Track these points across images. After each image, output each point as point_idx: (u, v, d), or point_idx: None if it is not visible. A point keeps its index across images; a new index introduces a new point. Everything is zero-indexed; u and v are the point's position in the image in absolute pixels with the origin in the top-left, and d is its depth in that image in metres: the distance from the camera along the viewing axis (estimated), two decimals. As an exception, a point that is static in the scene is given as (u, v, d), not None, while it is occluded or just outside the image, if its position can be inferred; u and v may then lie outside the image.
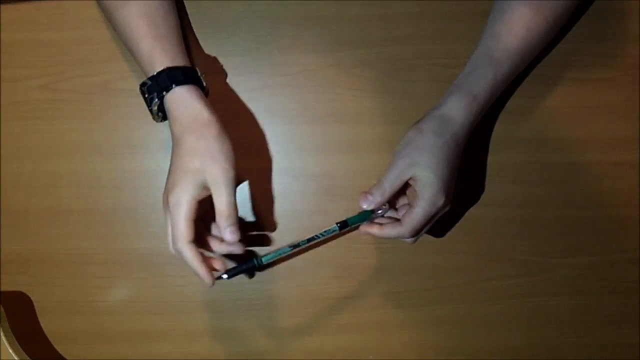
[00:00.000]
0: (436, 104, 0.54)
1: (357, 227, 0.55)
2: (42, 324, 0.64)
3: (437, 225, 0.55)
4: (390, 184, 0.52)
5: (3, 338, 0.59)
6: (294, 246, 0.53)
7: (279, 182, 0.63)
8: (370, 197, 0.53)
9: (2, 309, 0.61)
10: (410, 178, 0.52)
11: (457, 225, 0.63)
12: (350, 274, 0.64)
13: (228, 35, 0.62)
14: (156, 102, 0.53)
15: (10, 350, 0.59)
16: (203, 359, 0.64)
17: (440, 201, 0.52)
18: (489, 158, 0.63)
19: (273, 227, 0.63)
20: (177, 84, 0.51)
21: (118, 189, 0.63)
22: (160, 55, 0.52)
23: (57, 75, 0.62)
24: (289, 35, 0.62)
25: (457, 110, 0.53)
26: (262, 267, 0.56)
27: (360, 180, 0.62)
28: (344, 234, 0.56)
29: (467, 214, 0.63)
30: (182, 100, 0.52)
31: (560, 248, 0.63)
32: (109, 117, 0.62)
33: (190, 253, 0.50)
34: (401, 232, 0.52)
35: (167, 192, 0.51)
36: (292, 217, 0.63)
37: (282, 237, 0.63)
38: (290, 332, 0.64)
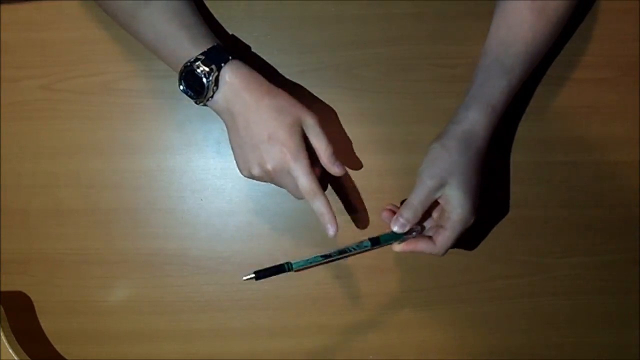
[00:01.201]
0: (455, 118, 0.55)
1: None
2: (42, 324, 0.64)
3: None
4: (421, 205, 0.53)
5: (3, 338, 0.59)
6: (326, 256, 0.54)
7: (279, 182, 0.63)
8: (401, 220, 0.54)
9: (2, 309, 0.61)
10: (440, 197, 0.53)
11: (457, 225, 0.63)
12: (350, 274, 0.64)
13: (228, 35, 0.62)
14: (214, 73, 0.51)
15: (10, 350, 0.59)
16: (203, 359, 0.65)
17: (471, 220, 0.54)
18: (490, 158, 0.62)
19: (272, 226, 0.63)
20: (229, 60, 0.52)
21: (118, 189, 0.63)
22: (204, 38, 0.52)
23: (57, 75, 0.62)
24: (289, 35, 0.62)
25: (479, 124, 0.53)
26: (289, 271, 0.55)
27: (360, 181, 0.62)
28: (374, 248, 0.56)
29: (467, 214, 0.63)
30: (244, 68, 0.52)
31: (560, 248, 0.63)
32: (109, 117, 0.62)
33: (324, 202, 0.52)
34: (435, 251, 0.55)
35: (270, 156, 0.51)
36: (291, 217, 0.63)
37: (281, 236, 0.63)
38: (290, 332, 0.64)
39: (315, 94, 0.62)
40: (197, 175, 0.63)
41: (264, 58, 0.62)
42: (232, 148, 0.54)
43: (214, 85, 0.51)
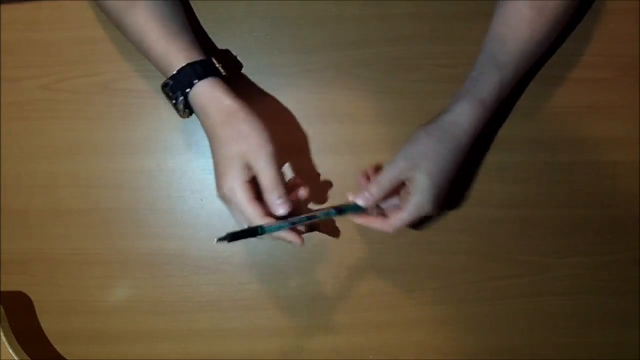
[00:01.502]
0: (445, 108, 0.55)
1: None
2: (42, 324, 0.64)
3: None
4: (389, 183, 0.54)
5: (3, 338, 0.59)
6: (293, 223, 0.53)
7: (279, 182, 0.63)
8: (367, 195, 0.54)
9: (2, 309, 0.61)
10: (408, 178, 0.53)
11: (457, 225, 0.63)
12: (350, 274, 0.64)
13: (228, 35, 0.62)
14: (181, 100, 0.53)
15: (10, 350, 0.59)
16: (203, 359, 0.65)
17: (428, 208, 0.54)
18: (490, 158, 0.63)
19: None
20: (199, 79, 0.52)
21: (118, 189, 0.63)
22: (176, 55, 0.53)
23: (57, 75, 0.62)
24: (289, 35, 0.62)
25: (464, 117, 0.53)
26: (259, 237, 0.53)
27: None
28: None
29: (467, 214, 0.63)
30: (206, 94, 0.52)
31: (560, 248, 0.63)
32: (109, 117, 0.62)
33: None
34: (385, 228, 0.55)
35: (218, 185, 0.52)
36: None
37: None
38: (290, 332, 0.64)
39: (315, 94, 0.62)
40: (197, 175, 0.63)
41: (264, 58, 0.62)
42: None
43: (185, 108, 0.54)
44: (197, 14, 0.61)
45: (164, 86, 0.54)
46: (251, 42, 0.62)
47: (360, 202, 0.54)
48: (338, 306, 0.64)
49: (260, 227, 0.51)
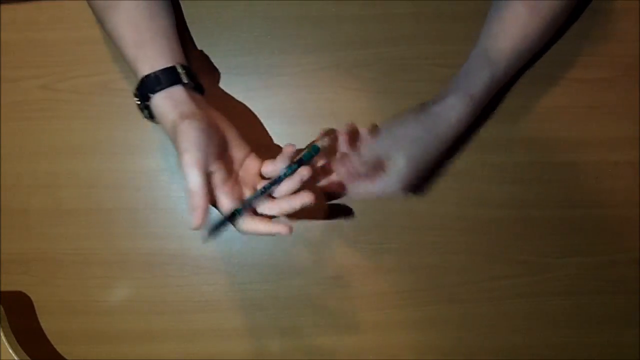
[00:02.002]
0: (436, 98, 0.55)
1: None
2: (42, 324, 0.64)
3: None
4: (370, 157, 0.55)
5: (3, 338, 0.59)
6: (264, 189, 0.52)
7: (279, 182, 0.63)
8: (347, 163, 0.55)
9: (2, 309, 0.61)
10: (387, 156, 0.54)
11: (457, 225, 0.63)
12: (350, 274, 0.64)
13: (228, 35, 0.62)
14: (146, 112, 0.53)
15: (10, 350, 0.59)
16: (203, 359, 0.64)
17: (396, 190, 0.55)
18: (489, 158, 0.63)
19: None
20: (154, 92, 0.51)
21: (118, 189, 0.63)
22: (141, 64, 0.52)
23: (57, 75, 0.62)
24: (289, 35, 0.62)
25: (454, 111, 0.54)
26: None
27: (360, 180, 0.62)
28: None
29: (467, 214, 0.63)
30: (159, 108, 0.52)
31: (560, 248, 0.63)
32: (109, 117, 0.62)
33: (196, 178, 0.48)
34: (341, 190, 0.57)
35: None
36: (292, 217, 0.63)
37: (282, 237, 0.62)
38: (290, 332, 0.64)
39: (315, 94, 0.62)
40: (197, 175, 0.63)
41: (264, 58, 0.62)
42: None
43: (151, 117, 0.53)
44: (196, 15, 0.61)
45: (134, 95, 0.53)
46: (251, 42, 0.62)
47: (322, 141, 0.54)
48: (338, 306, 0.64)
49: (237, 209, 0.50)
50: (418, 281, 0.64)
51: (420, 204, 0.61)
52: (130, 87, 0.62)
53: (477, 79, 0.54)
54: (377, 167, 0.55)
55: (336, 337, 0.64)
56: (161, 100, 0.51)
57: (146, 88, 0.52)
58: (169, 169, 0.63)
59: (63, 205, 0.63)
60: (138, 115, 0.61)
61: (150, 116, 0.54)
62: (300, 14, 0.61)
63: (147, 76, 0.52)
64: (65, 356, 0.64)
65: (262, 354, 0.65)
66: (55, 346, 0.64)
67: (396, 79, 0.62)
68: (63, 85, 0.62)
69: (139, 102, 0.53)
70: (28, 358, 0.60)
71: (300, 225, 0.63)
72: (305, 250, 0.63)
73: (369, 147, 0.55)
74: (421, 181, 0.56)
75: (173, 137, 0.50)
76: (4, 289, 0.64)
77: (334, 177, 0.57)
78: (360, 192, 0.56)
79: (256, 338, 0.64)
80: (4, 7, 0.62)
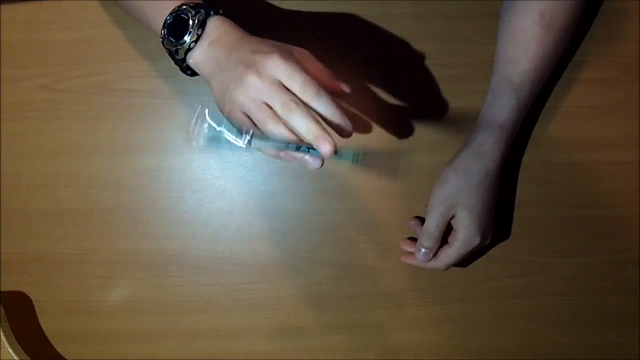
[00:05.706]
0: (467, 140, 0.56)
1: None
2: (42, 324, 0.64)
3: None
4: (438, 230, 0.55)
5: (3, 338, 0.59)
6: (285, 146, 0.45)
7: (278, 182, 0.63)
8: (423, 250, 0.56)
9: (2, 309, 0.61)
10: (451, 218, 0.55)
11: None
12: (350, 274, 0.64)
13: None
14: (202, 15, 0.47)
15: (10, 350, 0.59)
16: (203, 359, 0.64)
17: (477, 241, 0.55)
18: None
19: (275, 230, 0.63)
20: (209, 16, 0.47)
21: (118, 189, 0.63)
22: (167, 7, 0.48)
23: (57, 75, 0.62)
24: (289, 35, 0.62)
25: (487, 144, 0.54)
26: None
27: (360, 181, 0.62)
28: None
29: (467, 214, 0.63)
30: (219, 29, 0.47)
31: (560, 248, 0.63)
32: (109, 117, 0.62)
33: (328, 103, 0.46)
34: (436, 266, 0.57)
35: (243, 76, 0.44)
36: (292, 218, 0.63)
37: (282, 237, 0.63)
38: (290, 332, 0.64)
39: (315, 94, 0.62)
40: (197, 175, 0.63)
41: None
42: (214, 93, 0.47)
43: (199, 28, 0.47)
44: None
45: (179, 6, 0.47)
46: (251, 42, 0.62)
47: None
48: (338, 306, 0.64)
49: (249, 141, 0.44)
50: (418, 281, 0.64)
51: (420, 204, 0.61)
52: (130, 87, 0.62)
53: (503, 108, 0.54)
54: (446, 232, 0.56)
55: (336, 337, 0.64)
56: (220, 21, 0.47)
57: (210, 8, 0.46)
58: (169, 169, 0.63)
59: (63, 205, 0.63)
60: (138, 115, 0.62)
61: (200, 26, 0.47)
62: (300, 14, 0.61)
63: (204, 3, 0.47)
64: (65, 356, 0.64)
65: (262, 354, 0.65)
66: (55, 346, 0.64)
67: (396, 79, 0.62)
68: (63, 85, 0.62)
69: (190, 14, 0.47)
70: (28, 358, 0.60)
71: (300, 225, 0.63)
72: (305, 251, 0.63)
73: (429, 221, 0.55)
74: (492, 219, 0.57)
75: (244, 35, 0.47)
76: (4, 289, 0.64)
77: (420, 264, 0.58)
78: (447, 260, 0.56)
79: (256, 338, 0.64)
80: (4, 7, 0.62)
